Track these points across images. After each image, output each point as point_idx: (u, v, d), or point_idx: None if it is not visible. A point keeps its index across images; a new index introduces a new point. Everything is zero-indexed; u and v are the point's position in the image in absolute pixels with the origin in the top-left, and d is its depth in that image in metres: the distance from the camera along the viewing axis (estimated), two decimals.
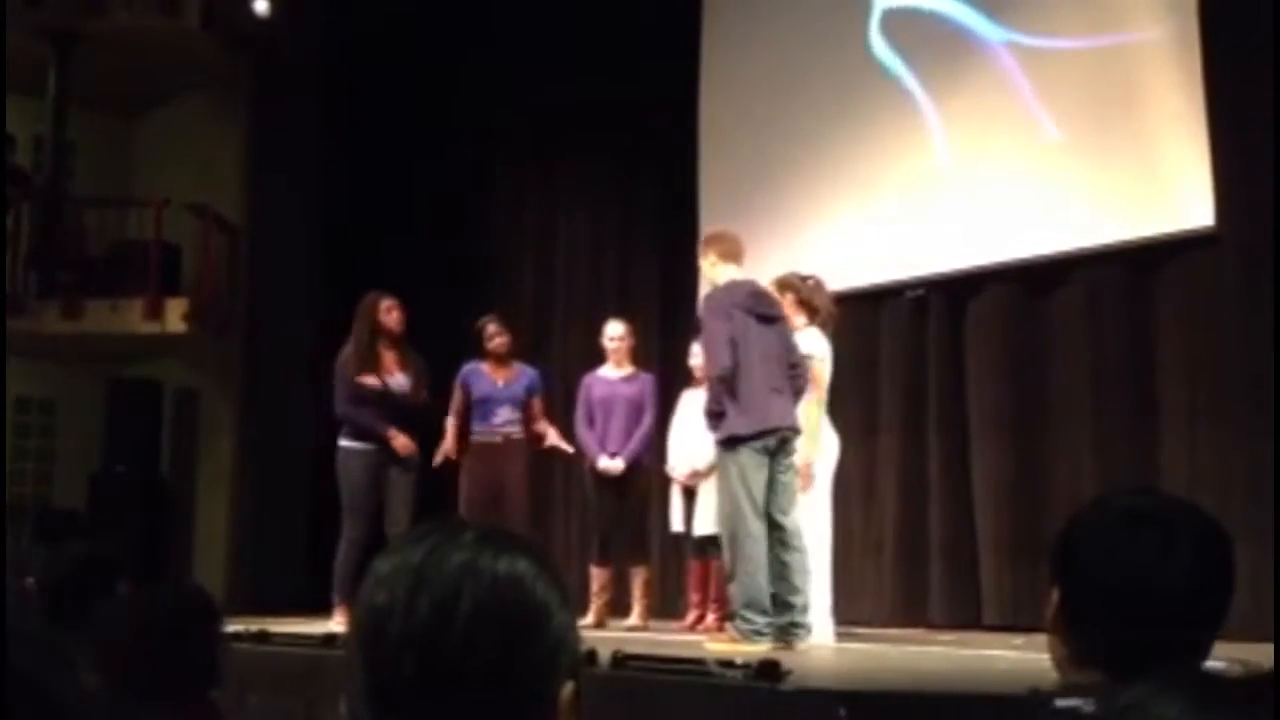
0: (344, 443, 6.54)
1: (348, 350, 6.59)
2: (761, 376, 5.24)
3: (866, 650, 5.54)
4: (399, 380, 6.58)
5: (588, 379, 7.15)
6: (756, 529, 5.13)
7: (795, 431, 5.33)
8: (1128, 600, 1.44)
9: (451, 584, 0.97)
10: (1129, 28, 6.73)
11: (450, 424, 6.82)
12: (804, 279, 5.96)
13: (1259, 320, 6.03)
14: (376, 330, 6.56)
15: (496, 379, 6.85)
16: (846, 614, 5.86)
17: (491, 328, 6.89)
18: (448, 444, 6.78)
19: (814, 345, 5.75)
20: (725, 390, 5.25)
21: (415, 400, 6.61)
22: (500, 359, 6.87)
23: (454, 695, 0.95)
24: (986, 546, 7.03)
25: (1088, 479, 6.62)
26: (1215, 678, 0.73)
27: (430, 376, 6.75)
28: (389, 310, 6.59)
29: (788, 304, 5.83)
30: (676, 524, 7.01)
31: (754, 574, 5.10)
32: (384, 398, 6.51)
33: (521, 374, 6.93)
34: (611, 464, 6.86)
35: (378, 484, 6.49)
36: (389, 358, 6.59)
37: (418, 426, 6.66)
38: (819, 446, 5.67)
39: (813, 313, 5.85)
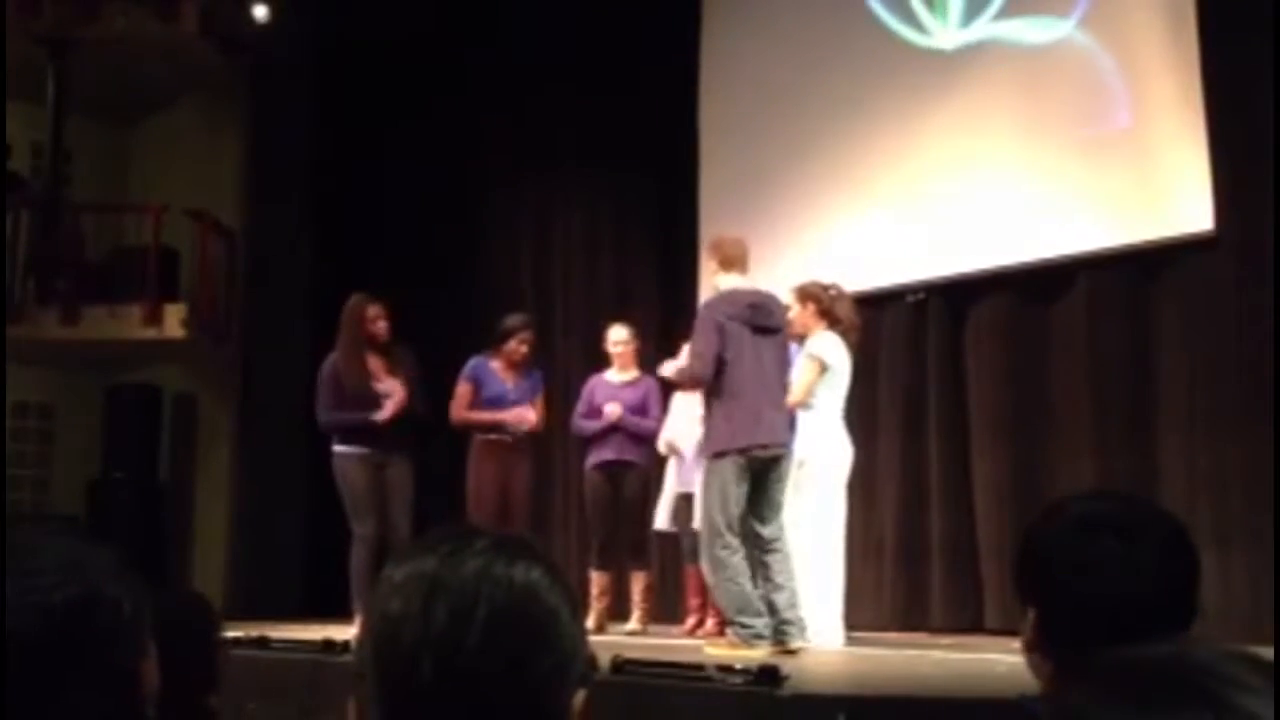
0: (338, 448, 6.49)
1: (333, 358, 6.52)
2: (753, 392, 5.23)
3: (866, 655, 5.53)
4: (387, 386, 6.51)
5: (592, 381, 7.14)
6: (731, 540, 5.15)
7: (786, 447, 5.33)
8: (1096, 610, 1.41)
9: (468, 591, 0.97)
10: (1128, 31, 6.73)
11: (471, 416, 6.68)
12: (826, 288, 5.97)
13: (1258, 324, 6.03)
14: (363, 339, 6.49)
15: (507, 380, 6.76)
16: (847, 618, 5.85)
17: (526, 334, 6.78)
18: (511, 415, 6.65)
19: (829, 349, 5.75)
20: (708, 400, 5.31)
21: (406, 406, 6.52)
22: (516, 366, 6.80)
23: (470, 701, 0.95)
24: (988, 550, 7.02)
25: (1087, 482, 6.61)
26: (1161, 674, 0.71)
27: (422, 373, 6.63)
28: (375, 319, 6.49)
29: (809, 313, 5.84)
30: (661, 522, 6.96)
31: (736, 581, 5.12)
32: (371, 403, 6.43)
33: (528, 376, 6.86)
34: (613, 409, 6.84)
35: (378, 484, 6.47)
36: (376, 364, 6.51)
37: (407, 430, 6.59)
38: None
39: (834, 322, 5.86)
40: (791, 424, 5.52)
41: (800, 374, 5.66)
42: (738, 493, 5.16)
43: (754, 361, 5.25)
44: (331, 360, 6.53)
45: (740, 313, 5.29)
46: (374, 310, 6.52)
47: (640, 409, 6.94)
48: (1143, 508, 1.51)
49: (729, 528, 5.14)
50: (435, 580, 0.97)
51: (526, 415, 6.69)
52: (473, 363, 6.80)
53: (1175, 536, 1.48)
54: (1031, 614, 1.49)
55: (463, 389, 6.71)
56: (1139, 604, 1.41)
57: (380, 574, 1.02)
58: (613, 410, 6.85)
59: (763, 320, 5.35)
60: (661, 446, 6.93)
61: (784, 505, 5.34)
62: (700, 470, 6.19)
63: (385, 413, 6.39)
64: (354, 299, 6.57)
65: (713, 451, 5.26)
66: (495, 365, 6.78)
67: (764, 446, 5.21)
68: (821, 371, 5.73)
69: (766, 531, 5.24)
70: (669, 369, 6.03)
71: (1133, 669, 0.71)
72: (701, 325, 5.34)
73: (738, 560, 5.13)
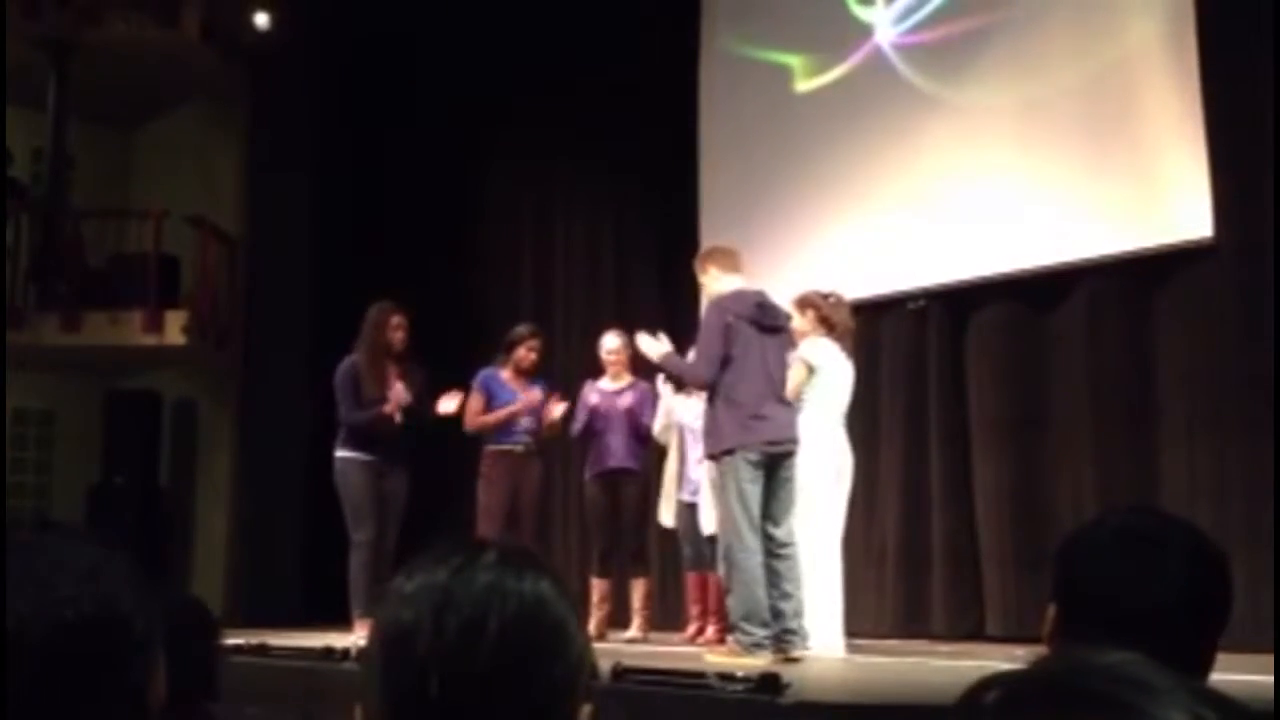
0: (342, 453, 6.58)
1: (354, 360, 6.63)
2: (759, 389, 5.23)
3: (867, 662, 5.52)
4: (398, 393, 6.61)
5: (587, 388, 7.14)
6: (752, 542, 5.12)
7: (794, 442, 5.32)
8: (1120, 618, 1.44)
9: (479, 604, 0.97)
10: (1126, 40, 6.73)
11: (485, 419, 6.73)
12: (824, 296, 5.98)
13: (1257, 330, 6.02)
14: (384, 346, 6.61)
15: (517, 390, 6.82)
16: (848, 625, 5.84)
17: (534, 342, 6.86)
18: (521, 403, 6.70)
19: (817, 353, 5.75)
20: (712, 398, 5.30)
21: (408, 406, 6.60)
22: (525, 373, 6.85)
23: (479, 714, 0.95)
24: (989, 557, 7.01)
25: (1089, 488, 6.62)
26: (1062, 684, 0.70)
27: (429, 386, 6.73)
28: (396, 328, 6.66)
29: (809, 320, 5.84)
30: (667, 519, 6.96)
31: (750, 586, 5.09)
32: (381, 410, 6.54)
33: (534, 386, 6.91)
34: (531, 396, 6.80)
35: (377, 491, 6.56)
36: (390, 372, 6.65)
37: (414, 437, 6.68)
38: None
39: (831, 328, 5.87)
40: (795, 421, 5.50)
41: (789, 375, 5.67)
42: (755, 490, 5.16)
43: (759, 360, 5.27)
44: (351, 362, 6.65)
45: (748, 311, 5.31)
46: (396, 320, 6.69)
47: (634, 415, 6.95)
48: (1182, 527, 1.54)
49: (751, 528, 5.13)
50: (447, 593, 0.98)
51: (534, 396, 6.76)
52: (482, 374, 6.86)
53: (1211, 561, 1.51)
54: (1053, 610, 1.53)
55: (475, 399, 6.76)
56: (1159, 617, 1.43)
57: (389, 585, 1.02)
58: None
59: (769, 320, 5.37)
60: (657, 428, 6.92)
61: (794, 505, 5.33)
62: (703, 475, 6.19)
63: (390, 405, 6.49)
64: (379, 306, 6.72)
65: (720, 449, 5.24)
66: (504, 375, 6.84)
67: (773, 443, 5.21)
68: (809, 373, 5.72)
69: (779, 533, 5.23)
70: (653, 350, 5.74)
71: (1035, 680, 0.71)
72: (708, 325, 5.35)
73: (756, 563, 5.11)
